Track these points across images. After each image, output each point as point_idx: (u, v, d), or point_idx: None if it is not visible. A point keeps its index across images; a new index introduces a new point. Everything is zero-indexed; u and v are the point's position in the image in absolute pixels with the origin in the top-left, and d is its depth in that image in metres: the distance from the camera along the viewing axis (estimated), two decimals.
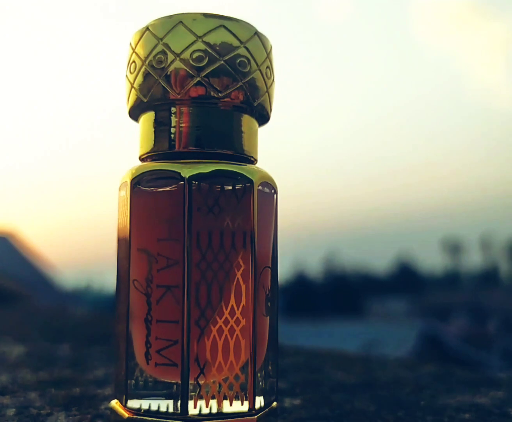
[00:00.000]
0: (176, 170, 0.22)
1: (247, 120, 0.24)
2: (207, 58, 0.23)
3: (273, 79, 0.25)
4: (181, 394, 0.21)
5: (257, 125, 0.25)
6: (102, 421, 0.27)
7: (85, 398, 0.30)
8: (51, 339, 0.55)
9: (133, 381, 0.23)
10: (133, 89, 0.24)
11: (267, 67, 0.24)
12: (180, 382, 0.21)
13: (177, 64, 0.23)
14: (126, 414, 0.22)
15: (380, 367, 0.42)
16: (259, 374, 0.23)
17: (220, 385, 0.22)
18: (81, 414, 0.28)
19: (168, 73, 0.23)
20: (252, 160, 0.25)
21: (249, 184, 0.23)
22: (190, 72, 0.23)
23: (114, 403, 0.24)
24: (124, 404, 0.23)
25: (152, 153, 0.24)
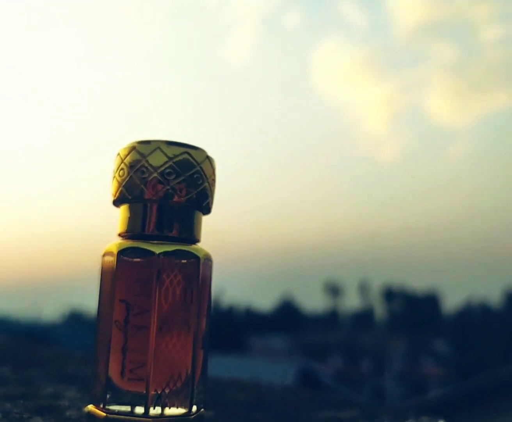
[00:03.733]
0: (150, 248, 0.33)
1: (197, 214, 0.36)
2: (175, 174, 0.34)
3: (215, 186, 0.37)
4: (145, 401, 0.32)
5: (202, 216, 0.37)
6: None
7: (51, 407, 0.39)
8: None
9: (109, 393, 0.33)
10: (121, 188, 0.35)
11: (213, 179, 0.36)
12: (145, 391, 0.32)
13: (155, 175, 0.34)
14: (103, 414, 0.32)
15: (269, 391, 0.54)
16: (195, 389, 0.34)
17: (171, 394, 0.33)
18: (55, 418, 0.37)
19: (148, 180, 0.34)
20: (198, 241, 0.36)
21: (197, 259, 0.34)
22: (163, 181, 0.34)
23: (91, 407, 0.34)
24: (102, 407, 0.33)
25: (129, 233, 0.35)
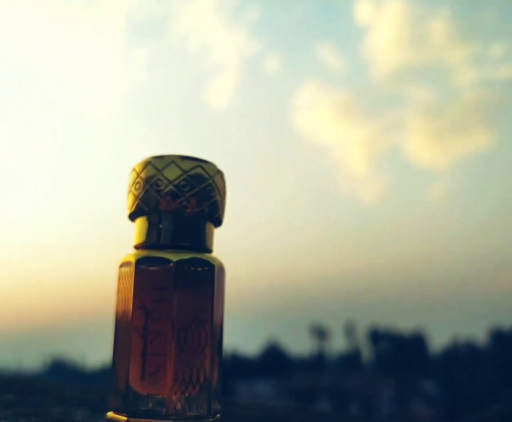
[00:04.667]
0: (166, 256, 0.35)
1: (209, 225, 0.37)
2: (189, 186, 0.36)
3: (226, 199, 0.39)
4: (165, 404, 0.33)
5: (213, 228, 0.38)
6: None
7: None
8: None
9: (130, 397, 0.34)
10: (137, 200, 0.36)
11: (224, 192, 0.38)
12: (164, 395, 0.33)
13: (170, 188, 0.36)
14: (124, 418, 0.33)
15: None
16: (212, 393, 0.35)
17: (190, 397, 0.34)
18: None
19: (163, 193, 0.36)
20: (211, 251, 0.38)
21: (212, 267, 0.36)
22: (178, 193, 0.35)
23: (110, 414, 0.34)
24: (122, 412, 0.33)
25: (145, 244, 0.36)
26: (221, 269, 0.37)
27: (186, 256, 0.35)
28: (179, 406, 0.33)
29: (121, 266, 0.36)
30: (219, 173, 0.38)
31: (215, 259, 0.36)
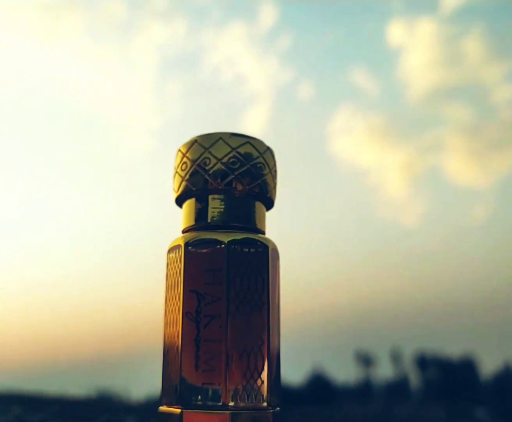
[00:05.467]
0: (217, 238, 0.32)
1: (260, 206, 0.35)
2: (239, 163, 0.34)
3: (277, 179, 0.37)
4: (222, 392, 0.30)
5: (265, 209, 0.36)
6: None
7: None
8: None
9: (183, 388, 0.31)
10: (183, 182, 0.34)
11: (275, 171, 0.36)
12: (221, 384, 0.30)
13: (218, 166, 0.33)
14: (178, 410, 0.31)
15: None
16: (271, 382, 0.32)
17: (248, 386, 0.31)
18: None
19: (211, 172, 0.34)
20: (264, 232, 0.35)
21: (265, 247, 0.33)
22: (227, 171, 0.33)
23: (163, 407, 0.32)
24: (176, 404, 0.31)
25: (194, 226, 0.34)
26: (275, 251, 0.35)
27: (238, 236, 0.33)
28: (236, 396, 0.31)
29: (169, 251, 0.34)
30: (269, 150, 0.36)
31: (268, 240, 0.34)
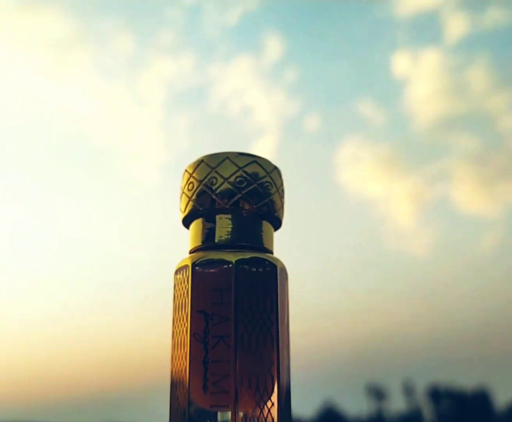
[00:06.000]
0: (225, 257, 0.32)
1: (268, 226, 0.35)
2: (246, 182, 0.33)
3: (284, 198, 0.36)
4: (231, 413, 0.30)
5: (273, 229, 0.36)
6: None
7: None
8: None
9: (192, 411, 0.31)
10: (190, 202, 0.34)
11: (282, 190, 0.36)
12: (230, 405, 0.30)
13: (225, 185, 0.33)
14: None
15: None
16: (282, 404, 0.32)
17: (257, 407, 0.30)
18: None
19: (218, 191, 0.33)
20: (272, 252, 0.35)
21: (274, 267, 0.33)
22: (234, 190, 0.33)
23: None
24: None
25: (201, 247, 0.34)
26: (284, 270, 0.34)
27: (246, 255, 0.32)
28: (246, 418, 0.30)
29: (176, 272, 0.34)
30: (276, 169, 0.35)
31: (277, 260, 0.34)
